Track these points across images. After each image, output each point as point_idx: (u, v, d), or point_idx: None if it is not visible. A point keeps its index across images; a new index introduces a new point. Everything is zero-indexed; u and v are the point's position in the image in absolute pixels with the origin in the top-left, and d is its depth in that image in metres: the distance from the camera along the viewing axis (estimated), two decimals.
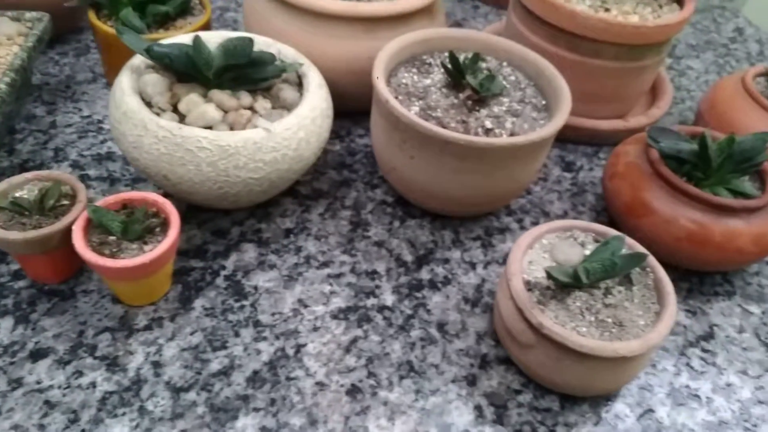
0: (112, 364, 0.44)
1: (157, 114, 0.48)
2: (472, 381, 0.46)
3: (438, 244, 0.56)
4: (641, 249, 0.47)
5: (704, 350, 0.51)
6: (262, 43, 0.56)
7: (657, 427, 0.45)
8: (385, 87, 0.51)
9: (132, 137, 0.47)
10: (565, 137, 0.69)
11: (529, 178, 0.54)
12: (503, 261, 0.55)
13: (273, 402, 0.44)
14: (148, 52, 0.48)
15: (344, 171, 0.62)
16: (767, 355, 0.51)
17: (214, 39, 0.55)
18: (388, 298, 0.51)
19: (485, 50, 0.60)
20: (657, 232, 0.53)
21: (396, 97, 0.54)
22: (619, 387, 0.46)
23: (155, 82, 0.50)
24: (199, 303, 0.49)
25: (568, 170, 0.66)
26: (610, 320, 0.43)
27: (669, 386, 0.48)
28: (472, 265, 0.55)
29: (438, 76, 0.57)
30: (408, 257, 0.55)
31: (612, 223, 0.60)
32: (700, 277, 0.57)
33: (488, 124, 0.52)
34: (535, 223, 0.60)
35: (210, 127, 0.48)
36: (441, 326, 0.50)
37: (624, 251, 0.47)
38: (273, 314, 0.49)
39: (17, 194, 0.47)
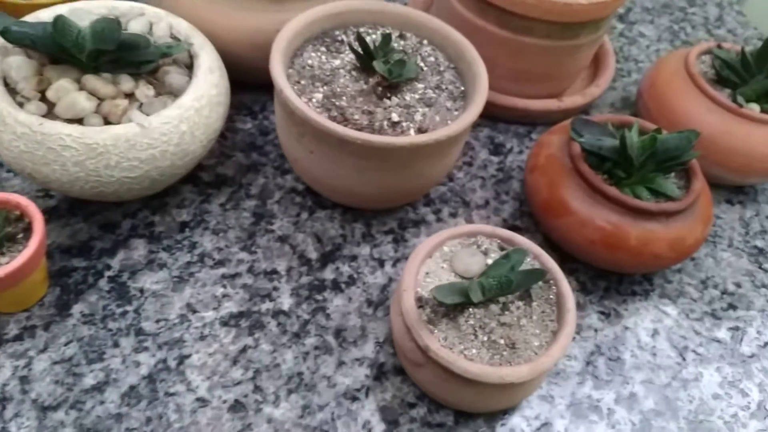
0: None
1: (21, 104, 0.43)
2: (365, 394, 0.44)
3: (347, 239, 0.53)
4: (546, 260, 0.44)
5: (612, 357, 0.49)
6: (152, 16, 0.50)
7: None
8: (280, 73, 0.46)
9: None
10: (496, 116, 0.65)
11: (443, 172, 0.51)
12: None
13: (148, 421, 0.41)
14: (4, 35, 0.42)
15: (253, 154, 0.58)
16: (677, 361, 0.50)
17: (96, 11, 0.49)
18: (286, 302, 0.48)
19: (405, 26, 0.55)
20: (572, 234, 0.50)
21: (298, 82, 0.49)
22: (514, 404, 0.44)
23: (20, 65, 0.44)
24: (78, 309, 0.46)
25: (496, 153, 0.63)
26: (502, 341, 0.40)
27: (571, 396, 0.47)
28: (381, 263, 0.52)
29: (350, 56, 0.52)
30: (312, 254, 0.52)
31: (534, 216, 0.57)
32: (620, 274, 0.55)
33: (395, 116, 0.47)
34: (453, 214, 0.57)
35: (81, 120, 0.43)
36: (339, 333, 0.47)
37: (528, 262, 0.45)
38: (158, 321, 0.46)
39: None
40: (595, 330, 0.51)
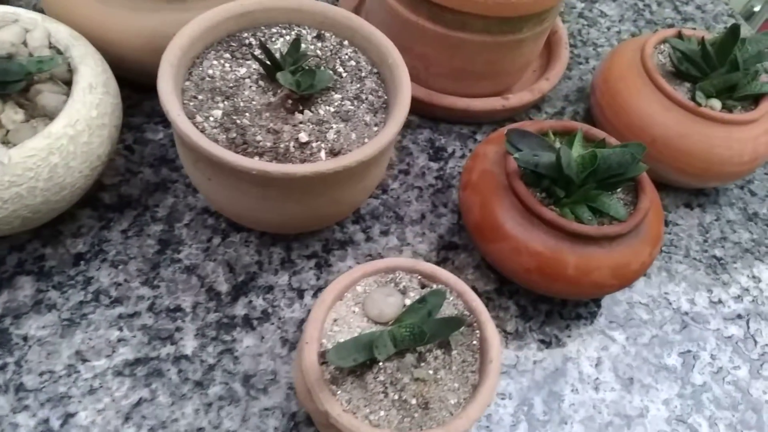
0: None
1: None
2: None
3: (263, 266, 0.48)
4: (471, 299, 0.40)
5: (551, 393, 0.46)
6: (27, 22, 0.44)
7: None
8: (168, 91, 0.40)
9: None
10: (437, 116, 0.59)
11: (364, 194, 0.46)
12: None
13: None
14: None
15: (163, 169, 0.52)
16: (622, 394, 0.46)
17: None
18: (189, 345, 0.44)
19: (324, 25, 0.49)
20: (506, 261, 0.45)
21: (195, 97, 0.43)
22: None
23: None
24: None
25: (436, 158, 0.57)
26: (414, 401, 0.36)
27: None
28: (300, 293, 0.47)
29: (257, 63, 0.46)
30: (223, 286, 0.47)
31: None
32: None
33: (304, 136, 0.42)
34: (385, 232, 0.52)
35: None
36: (247, 379, 0.43)
37: (450, 301, 0.40)
38: (42, 374, 0.41)
39: None
40: (534, 362, 0.47)
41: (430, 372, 0.37)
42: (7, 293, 0.44)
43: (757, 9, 1.16)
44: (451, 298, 0.40)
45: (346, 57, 0.48)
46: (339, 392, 0.36)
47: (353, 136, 0.43)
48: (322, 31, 0.49)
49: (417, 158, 0.57)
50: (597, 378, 0.47)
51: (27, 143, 0.38)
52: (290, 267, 0.48)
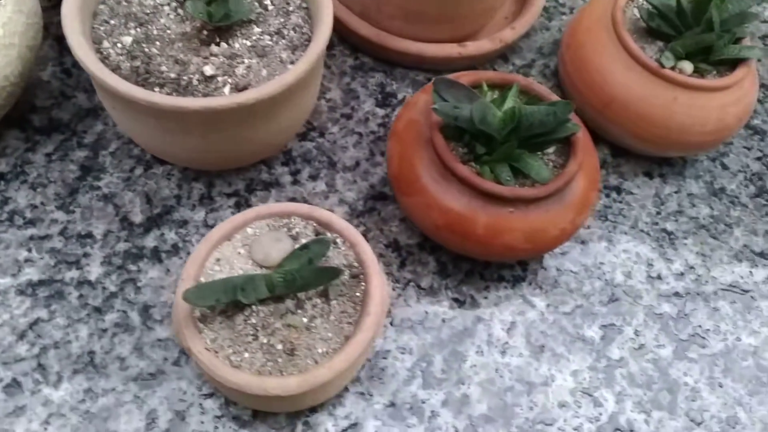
0: None
1: None
2: (158, 380, 0.41)
3: (181, 201, 0.48)
4: (363, 251, 0.39)
5: (453, 352, 0.45)
6: None
7: None
8: (71, 13, 0.39)
9: None
10: (392, 61, 0.56)
11: (284, 134, 0.44)
12: None
13: None
14: None
15: (97, 95, 0.52)
16: (529, 361, 0.45)
17: None
18: (94, 271, 0.44)
19: None
20: (418, 216, 0.44)
21: (106, 21, 0.42)
22: (316, 404, 0.40)
23: None
24: None
25: (383, 105, 0.55)
26: (280, 347, 0.36)
27: (393, 395, 0.42)
28: None
29: None
30: (137, 217, 0.47)
31: None
32: None
33: (209, 69, 0.40)
34: (314, 177, 0.50)
35: None
36: (146, 309, 0.43)
37: (341, 252, 0.39)
38: None
39: None
40: (443, 320, 0.46)
41: (304, 320, 0.37)
42: None
43: None
44: (343, 249, 0.39)
45: None
46: (206, 330, 0.36)
47: (264, 72, 0.41)
48: None
49: (363, 103, 0.55)
50: (506, 342, 0.45)
51: None
52: (209, 204, 0.48)
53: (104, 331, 0.42)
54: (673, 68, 0.49)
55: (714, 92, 0.49)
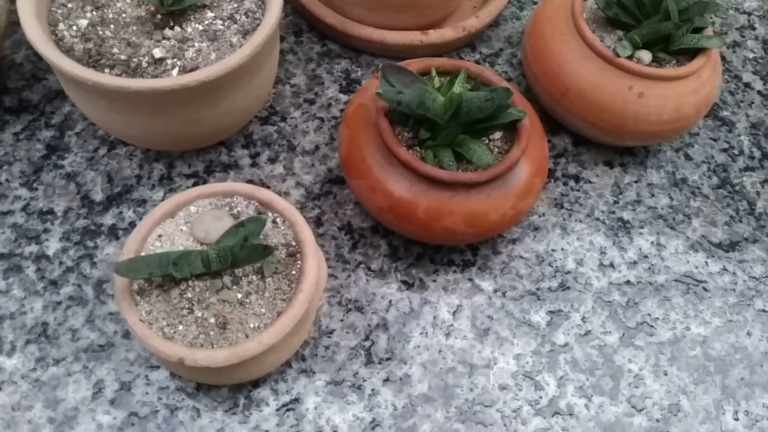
0: None
1: None
2: (107, 352, 0.43)
3: (141, 181, 0.49)
4: (301, 230, 0.40)
5: (399, 332, 0.46)
6: None
7: (295, 421, 0.42)
8: None
9: None
10: (357, 48, 0.57)
11: (236, 117, 0.46)
12: None
13: None
14: None
15: None
16: (472, 343, 0.46)
17: None
18: (53, 246, 0.46)
19: None
20: (364, 198, 0.45)
21: (64, 5, 0.43)
22: (255, 377, 0.41)
23: None
24: None
25: (347, 91, 0.56)
26: (213, 320, 0.37)
27: (335, 373, 0.44)
28: None
29: None
30: (98, 195, 0.48)
31: None
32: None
33: (158, 52, 0.42)
34: (272, 160, 0.52)
35: None
36: (100, 284, 0.45)
37: (280, 231, 0.40)
38: None
39: None
40: (390, 301, 0.47)
41: (239, 295, 0.38)
42: None
43: None
44: (283, 228, 0.41)
45: None
46: (142, 303, 0.37)
47: (213, 56, 0.42)
48: None
49: (327, 88, 0.56)
50: (451, 325, 0.46)
51: None
52: (168, 184, 0.49)
53: (58, 303, 0.44)
54: (630, 57, 0.50)
55: (670, 82, 0.49)
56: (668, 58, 0.50)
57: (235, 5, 0.45)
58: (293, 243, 0.40)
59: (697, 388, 0.46)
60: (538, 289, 0.48)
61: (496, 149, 0.44)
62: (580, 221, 0.52)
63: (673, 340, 0.48)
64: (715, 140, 0.58)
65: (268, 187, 0.50)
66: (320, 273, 0.40)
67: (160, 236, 0.39)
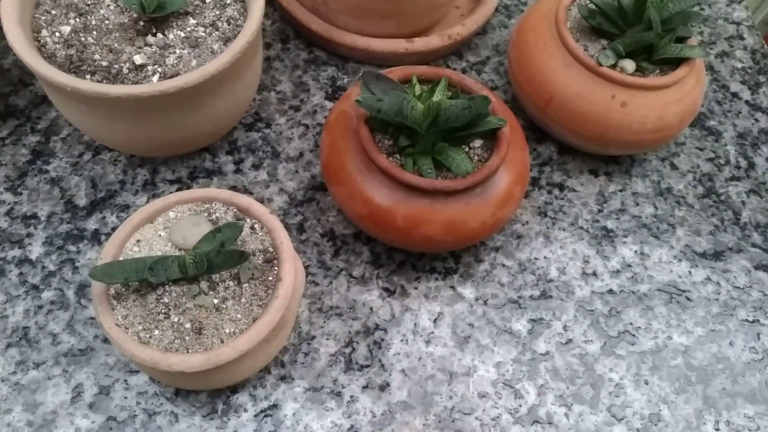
0: None
1: None
2: (87, 356, 0.43)
3: (125, 186, 0.50)
4: (279, 236, 0.40)
5: (378, 340, 0.46)
6: None
7: (273, 427, 0.42)
8: (9, 3, 0.41)
9: None
10: (343, 55, 0.58)
11: (214, 124, 0.46)
12: None
13: None
14: None
15: None
16: (453, 351, 0.46)
17: None
18: (36, 251, 0.46)
19: None
20: (344, 205, 0.45)
21: (48, 11, 0.44)
22: (233, 383, 0.42)
23: None
24: None
25: (332, 98, 0.56)
26: (189, 325, 0.37)
27: (314, 379, 0.44)
28: None
29: None
30: (82, 200, 0.48)
31: None
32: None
33: (139, 59, 0.42)
34: (256, 166, 0.52)
35: None
36: (82, 289, 0.45)
37: (258, 237, 0.40)
38: None
39: None
40: (371, 309, 0.47)
41: (215, 301, 0.38)
42: None
43: None
44: (261, 234, 0.41)
45: None
46: (118, 307, 0.37)
47: (194, 63, 0.43)
48: None
49: (313, 95, 0.56)
50: (432, 332, 0.46)
51: None
52: (151, 189, 0.50)
53: (40, 308, 0.44)
54: (613, 67, 0.50)
55: (653, 91, 0.49)
56: (652, 67, 0.51)
57: (218, 12, 0.45)
58: (270, 249, 0.40)
59: (678, 397, 0.46)
60: (519, 297, 0.48)
61: (476, 157, 0.44)
62: (564, 230, 0.52)
63: (655, 350, 0.48)
64: (701, 150, 0.58)
65: (251, 194, 0.50)
66: (298, 279, 0.40)
67: (138, 241, 0.40)
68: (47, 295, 0.45)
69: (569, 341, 0.47)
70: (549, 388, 0.45)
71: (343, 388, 0.44)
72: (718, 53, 0.65)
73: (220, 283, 0.39)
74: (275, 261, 0.39)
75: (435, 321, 0.47)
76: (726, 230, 0.54)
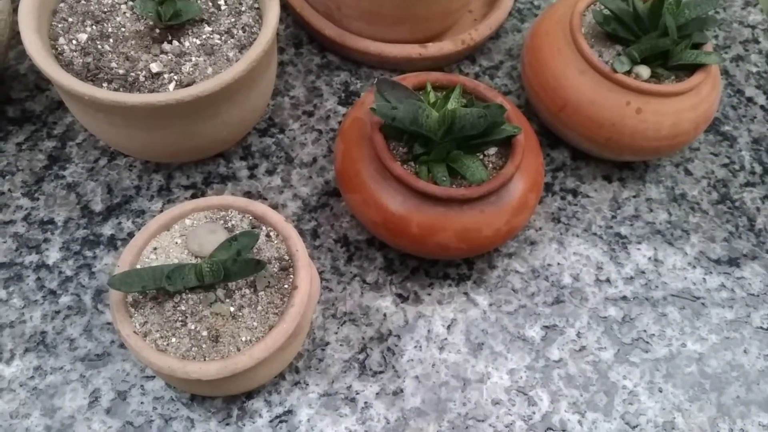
0: None
1: None
2: (103, 361, 0.43)
3: (141, 191, 0.50)
4: (294, 244, 0.40)
5: (391, 346, 0.46)
6: None
7: None
8: (28, 10, 0.41)
9: None
10: (356, 60, 0.58)
11: (230, 130, 0.46)
12: None
13: None
14: None
15: None
16: (466, 357, 0.46)
17: None
18: (53, 256, 0.47)
19: None
20: (358, 212, 0.45)
21: (65, 19, 0.44)
22: (248, 389, 0.42)
23: None
24: None
25: (345, 103, 0.56)
26: (206, 333, 0.37)
27: (328, 385, 0.44)
28: None
29: None
30: (98, 206, 0.49)
31: None
32: None
33: (155, 67, 0.42)
34: (270, 172, 0.52)
35: None
36: (98, 294, 0.45)
37: (273, 245, 0.40)
38: None
39: None
40: (385, 315, 0.47)
41: (231, 308, 0.38)
42: None
43: None
44: (276, 242, 0.41)
45: None
46: (136, 315, 0.38)
47: (210, 70, 0.43)
48: None
49: (326, 100, 0.56)
50: (445, 339, 0.46)
51: None
52: (166, 195, 0.50)
53: (57, 312, 0.45)
54: (628, 73, 0.50)
55: (668, 98, 0.49)
56: (667, 73, 0.50)
57: (233, 20, 0.45)
58: (286, 257, 0.40)
59: (692, 405, 0.46)
60: (533, 303, 0.48)
61: (490, 165, 0.44)
62: (577, 236, 0.52)
63: (669, 357, 0.47)
64: (715, 155, 0.58)
65: (265, 199, 0.51)
66: (313, 287, 0.40)
67: (155, 249, 0.40)
68: (64, 300, 0.45)
69: (583, 348, 0.47)
70: (562, 395, 0.45)
71: (357, 394, 0.44)
72: (733, 57, 0.64)
73: (236, 291, 0.39)
74: (291, 269, 0.40)
75: (448, 327, 0.47)
76: (741, 236, 0.53)
